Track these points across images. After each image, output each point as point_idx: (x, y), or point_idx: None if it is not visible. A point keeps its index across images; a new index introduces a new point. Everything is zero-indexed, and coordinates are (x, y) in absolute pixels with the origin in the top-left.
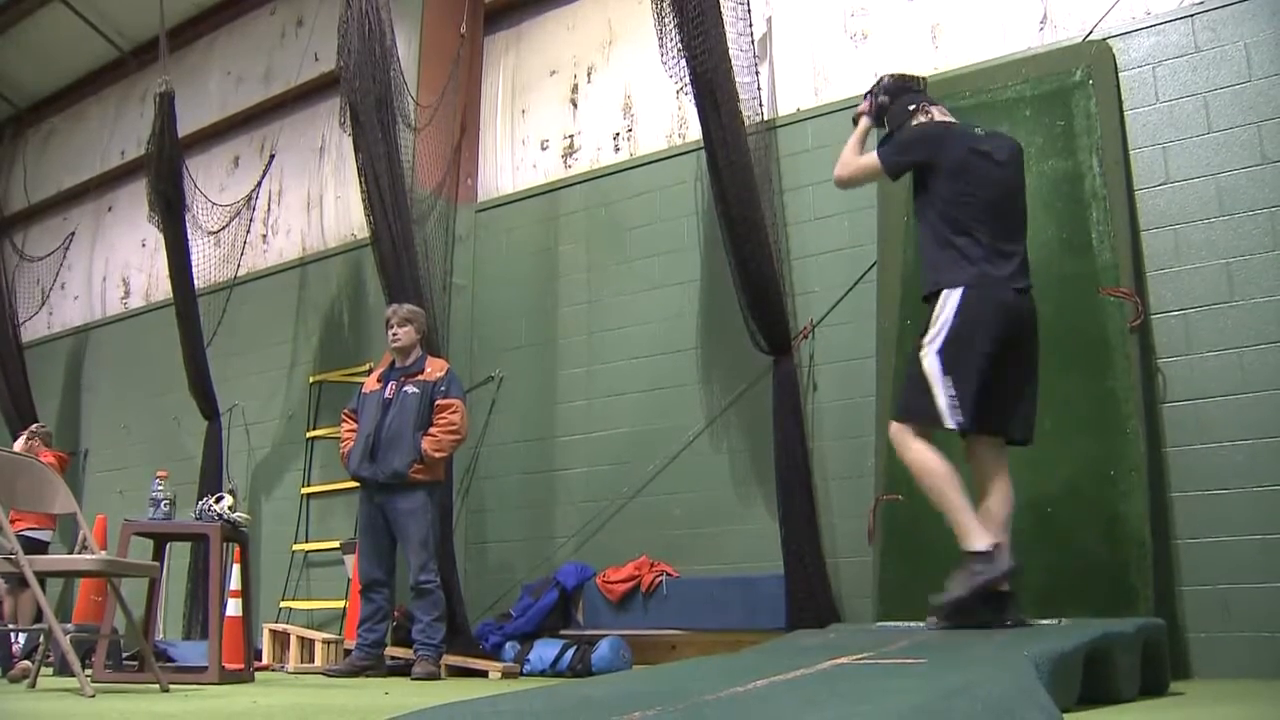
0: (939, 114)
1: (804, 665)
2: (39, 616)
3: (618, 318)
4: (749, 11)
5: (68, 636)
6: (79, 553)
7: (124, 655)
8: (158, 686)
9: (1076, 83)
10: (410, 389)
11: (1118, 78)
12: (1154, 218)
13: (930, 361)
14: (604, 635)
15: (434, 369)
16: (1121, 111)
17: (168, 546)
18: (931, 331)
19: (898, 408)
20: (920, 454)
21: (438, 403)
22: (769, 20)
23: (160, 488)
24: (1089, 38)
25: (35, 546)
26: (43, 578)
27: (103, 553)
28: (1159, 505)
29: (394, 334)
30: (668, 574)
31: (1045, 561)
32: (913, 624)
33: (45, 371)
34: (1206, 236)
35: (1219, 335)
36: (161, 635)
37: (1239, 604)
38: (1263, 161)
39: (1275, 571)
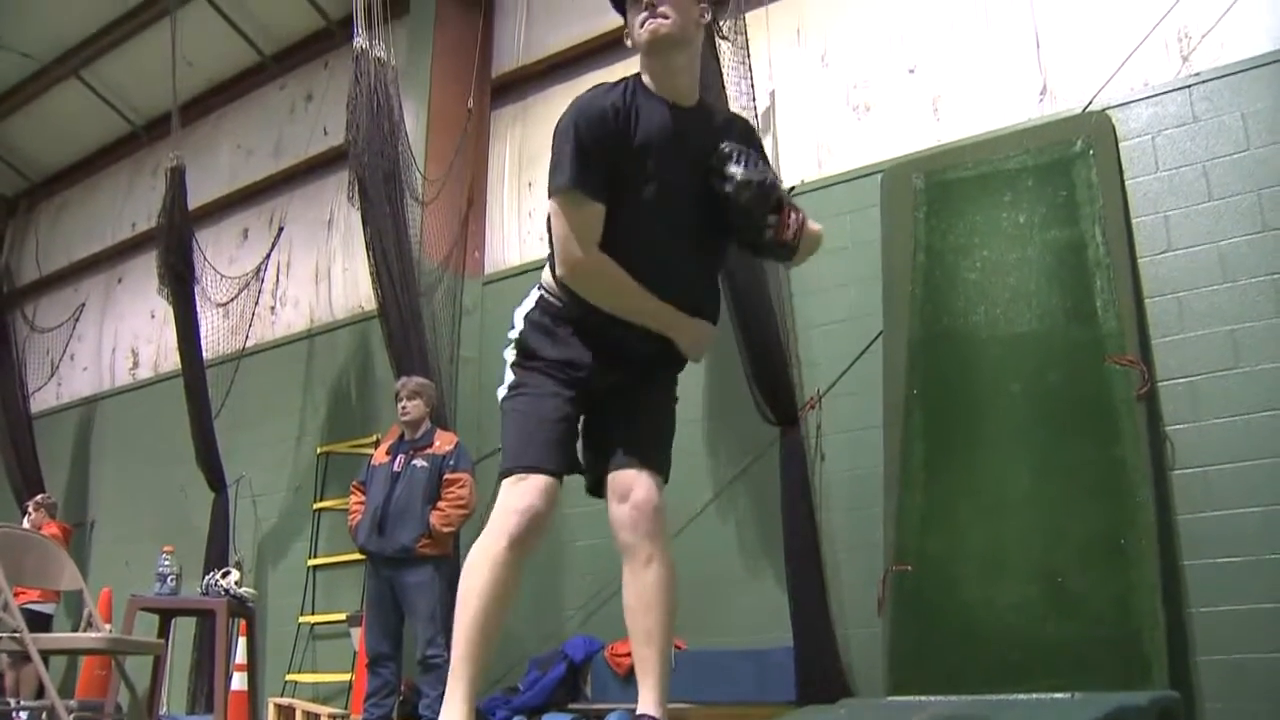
0: None
1: None
2: (41, 691)
3: None
4: (752, 85)
5: (71, 715)
6: (84, 629)
7: None
8: None
9: (1077, 153)
10: (419, 462)
11: (1118, 148)
12: (1157, 285)
13: None
14: (613, 709)
15: (443, 442)
16: (1123, 181)
17: (173, 621)
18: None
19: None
20: None
21: (446, 476)
22: (772, 94)
23: (166, 562)
24: (1088, 108)
25: (39, 620)
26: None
27: (107, 627)
28: (1171, 574)
29: (403, 407)
30: (677, 646)
31: (1056, 632)
32: (924, 698)
33: (54, 442)
34: (1210, 304)
35: (1226, 402)
36: (165, 709)
37: (1255, 673)
38: (1264, 229)
39: None
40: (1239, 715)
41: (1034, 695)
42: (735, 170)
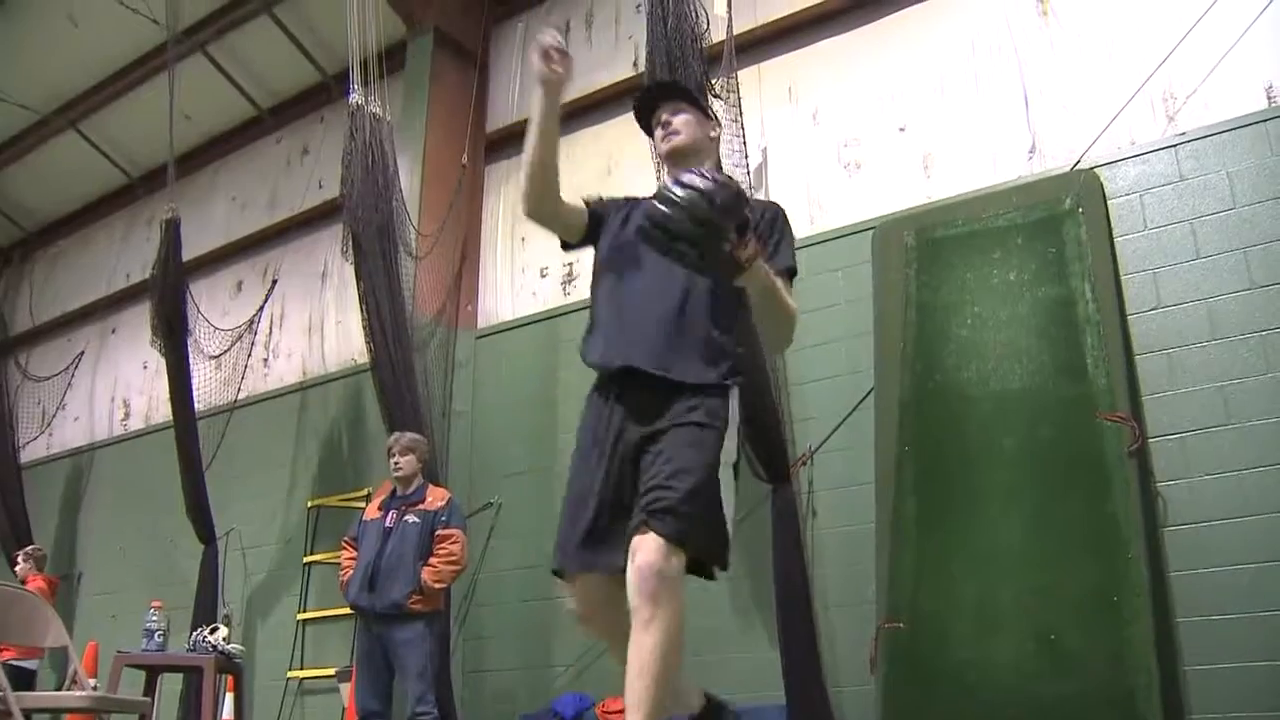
0: None
1: None
2: None
3: None
4: (744, 142)
5: None
6: (69, 686)
7: None
8: None
9: (1066, 211)
10: (411, 518)
11: (1106, 205)
12: (1147, 342)
13: (727, 475)
14: None
15: (435, 498)
16: (1111, 238)
17: (160, 676)
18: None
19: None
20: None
21: (438, 532)
22: (764, 150)
23: (154, 618)
24: (1077, 167)
25: (22, 676)
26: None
27: (92, 683)
28: (1164, 631)
29: (396, 463)
30: None
31: (1051, 690)
32: None
33: (43, 492)
34: (1200, 360)
35: (1217, 458)
36: None
37: None
38: (1251, 286)
39: None
40: None
41: None
42: (677, 190)
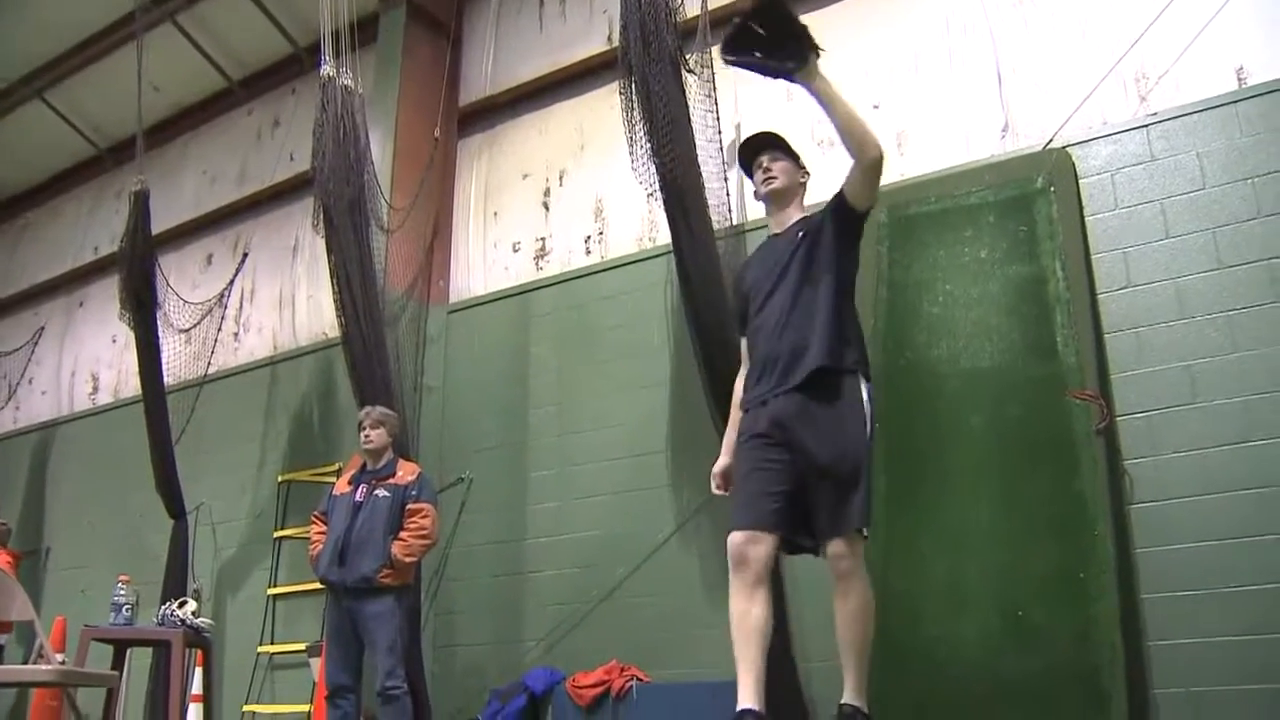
0: None
1: None
2: None
3: (588, 420)
4: (718, 119)
5: None
6: (35, 660)
7: None
8: None
9: (1038, 189)
10: (381, 493)
11: (1078, 184)
12: (1117, 321)
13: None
14: None
15: (405, 473)
16: (1082, 217)
17: (129, 651)
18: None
19: (863, 516)
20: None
21: (409, 507)
22: (737, 127)
23: (122, 592)
24: (1049, 146)
25: None
26: None
27: (60, 658)
28: (1129, 607)
29: (366, 436)
30: (638, 679)
31: (1018, 666)
32: None
33: (9, 467)
34: (1167, 339)
35: (1183, 437)
36: None
37: (1210, 706)
38: (1219, 266)
39: (1246, 673)
40: None
41: None
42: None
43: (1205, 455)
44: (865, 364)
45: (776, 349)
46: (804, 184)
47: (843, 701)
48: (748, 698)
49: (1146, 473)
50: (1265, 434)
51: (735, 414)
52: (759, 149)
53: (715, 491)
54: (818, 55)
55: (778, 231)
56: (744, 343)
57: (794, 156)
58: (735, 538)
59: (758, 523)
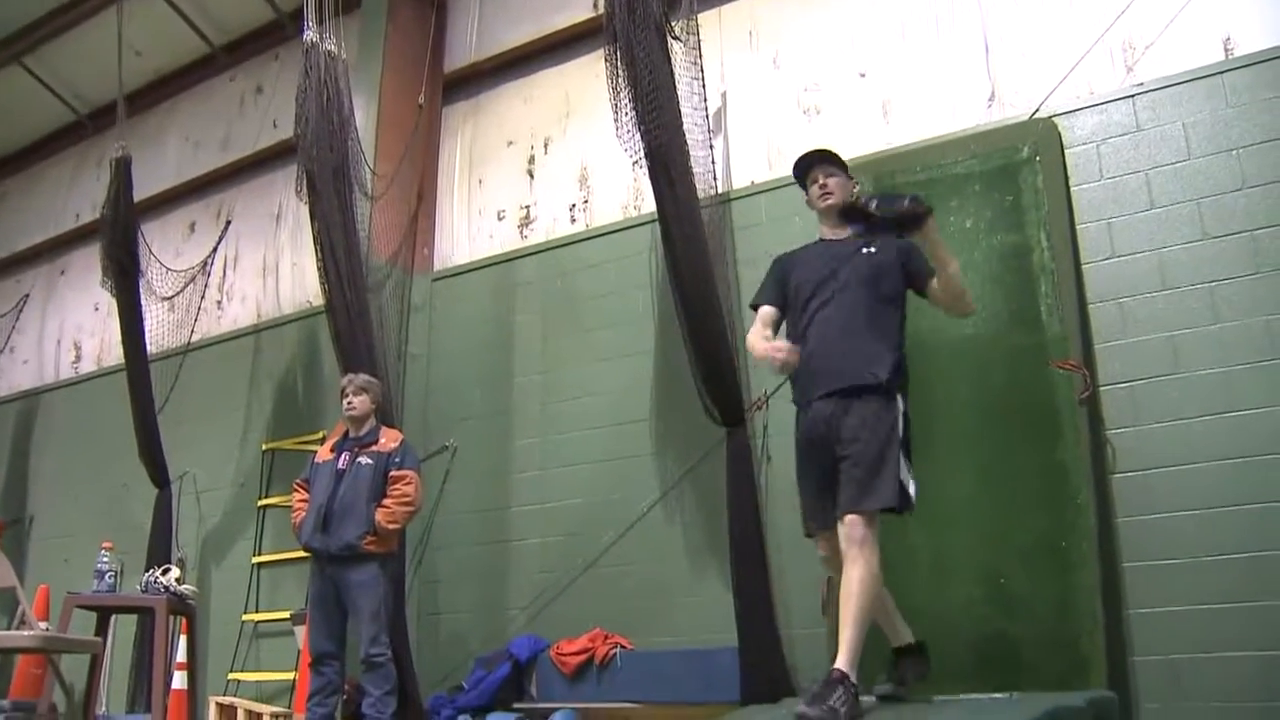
0: None
1: None
2: None
3: (572, 388)
4: (704, 86)
5: (3, 716)
6: (17, 627)
7: None
8: None
9: (1024, 159)
10: (364, 460)
11: (1064, 154)
12: (1100, 291)
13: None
14: (557, 708)
15: (388, 440)
16: (1068, 187)
17: (113, 618)
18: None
19: (872, 500)
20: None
21: (392, 474)
22: (723, 95)
23: (105, 559)
24: (1035, 115)
25: None
26: None
27: (44, 626)
28: (1110, 576)
29: (349, 402)
30: (622, 646)
31: (997, 633)
32: (865, 698)
33: None
34: (1151, 310)
35: (1166, 407)
36: (105, 709)
37: (1190, 674)
38: (1203, 237)
39: (1225, 641)
40: (1175, 715)
41: (973, 696)
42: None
43: (1187, 425)
44: (906, 383)
45: (836, 348)
46: (853, 194)
47: (833, 666)
48: (901, 640)
49: (1129, 443)
50: (1246, 404)
51: (763, 332)
52: (812, 164)
53: (784, 358)
54: (930, 213)
55: (832, 238)
56: (764, 310)
57: (845, 170)
58: (818, 544)
59: (823, 527)
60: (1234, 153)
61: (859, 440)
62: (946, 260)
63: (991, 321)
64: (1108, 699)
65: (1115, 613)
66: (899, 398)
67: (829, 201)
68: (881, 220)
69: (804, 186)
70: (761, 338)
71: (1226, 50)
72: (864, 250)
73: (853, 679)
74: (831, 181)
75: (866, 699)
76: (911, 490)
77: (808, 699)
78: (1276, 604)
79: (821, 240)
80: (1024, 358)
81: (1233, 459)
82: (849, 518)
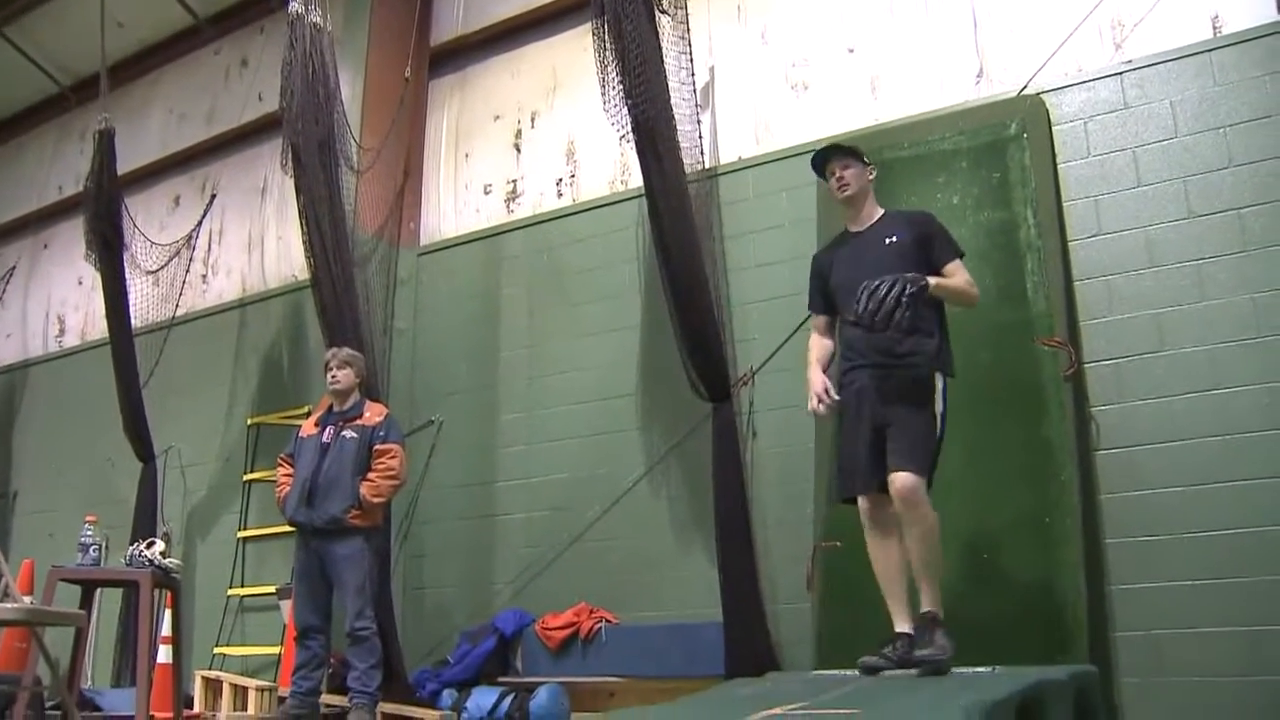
0: None
1: (737, 717)
2: None
3: (559, 363)
4: (691, 61)
5: None
6: (1, 601)
7: (47, 706)
8: None
9: (1011, 136)
10: (349, 434)
11: (1051, 132)
12: (1087, 268)
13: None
14: (542, 683)
15: (373, 414)
16: (1055, 164)
17: (98, 592)
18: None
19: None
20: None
21: (376, 448)
22: (711, 70)
23: (89, 532)
24: (1023, 92)
25: None
26: None
27: (28, 600)
28: (1093, 552)
29: (333, 376)
30: (607, 621)
31: (981, 608)
32: (849, 672)
33: None
34: (1137, 288)
35: (1150, 384)
36: (90, 683)
37: (1171, 649)
38: (1189, 215)
39: (1206, 617)
40: (1155, 689)
41: (956, 670)
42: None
43: (1171, 403)
44: (949, 363)
45: (879, 341)
46: (872, 180)
47: (923, 609)
48: (901, 623)
49: (1113, 419)
50: (1231, 382)
51: (814, 357)
52: (828, 158)
53: (821, 409)
54: (925, 287)
55: (857, 229)
56: (819, 319)
57: (860, 158)
58: (859, 504)
59: (864, 488)
60: (1221, 131)
61: (899, 403)
62: (958, 292)
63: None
64: (1089, 673)
65: (1098, 588)
66: (938, 376)
67: (847, 193)
68: (890, 324)
69: (823, 177)
70: (820, 350)
71: (1215, 28)
72: (887, 241)
73: (941, 617)
74: (848, 173)
75: (848, 673)
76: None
77: (914, 645)
78: (1257, 580)
79: (847, 231)
80: (1009, 334)
81: (1217, 436)
82: (899, 475)
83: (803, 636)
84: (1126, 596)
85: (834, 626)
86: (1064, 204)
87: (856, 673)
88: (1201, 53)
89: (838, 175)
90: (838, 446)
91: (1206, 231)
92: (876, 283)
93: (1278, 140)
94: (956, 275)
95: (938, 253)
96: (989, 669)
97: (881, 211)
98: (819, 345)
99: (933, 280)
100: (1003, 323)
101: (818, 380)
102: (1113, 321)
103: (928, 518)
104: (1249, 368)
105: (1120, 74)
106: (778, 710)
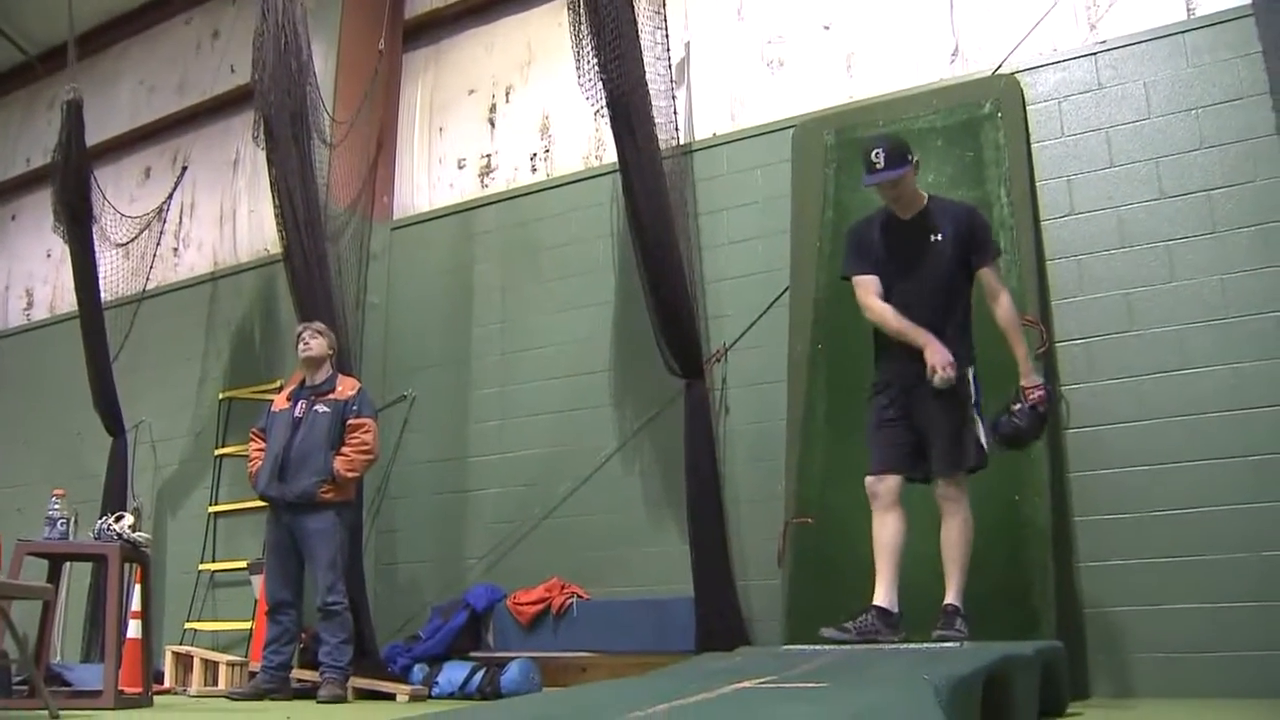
0: None
1: (707, 690)
2: None
3: (532, 338)
4: (667, 36)
5: None
6: None
7: (14, 681)
8: (47, 713)
9: (986, 115)
10: (321, 408)
11: (1025, 111)
12: (1059, 248)
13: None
14: (514, 657)
15: (345, 388)
16: (1029, 144)
17: (67, 567)
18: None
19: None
20: None
21: (350, 422)
22: (687, 45)
23: (57, 506)
24: (998, 71)
25: None
26: None
27: None
28: (1062, 529)
29: (305, 344)
30: (578, 596)
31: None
32: (819, 646)
33: None
34: (1108, 267)
35: (1119, 364)
36: (59, 658)
37: (1137, 625)
38: (1160, 196)
39: (1172, 594)
40: (1122, 665)
41: (924, 645)
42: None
43: (1140, 382)
44: (973, 354)
45: (915, 320)
46: (915, 173)
47: (945, 601)
48: (881, 597)
49: (1083, 398)
50: (1199, 363)
51: (904, 322)
52: (878, 166)
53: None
54: (1046, 400)
55: (904, 216)
56: (868, 278)
57: (907, 161)
58: (868, 479)
59: (884, 467)
60: (1193, 112)
61: (940, 408)
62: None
63: None
64: (1056, 649)
65: (1065, 566)
66: (969, 369)
67: (900, 201)
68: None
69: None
70: (896, 310)
71: (1188, 10)
72: (932, 239)
73: (963, 610)
74: (902, 184)
75: (818, 647)
76: (985, 445)
77: (938, 630)
78: (1223, 558)
79: (892, 215)
80: (982, 312)
81: (1184, 416)
82: (942, 481)
83: (773, 612)
84: (1094, 574)
85: (804, 602)
86: (1037, 183)
87: (827, 647)
88: (1175, 34)
89: (893, 196)
90: (872, 427)
91: (1177, 213)
92: (1030, 404)
93: (1249, 122)
94: (991, 283)
95: (977, 254)
96: (957, 644)
97: (926, 199)
98: (891, 307)
99: (1035, 380)
100: (976, 300)
101: (940, 349)
102: (1084, 301)
103: (966, 517)
104: (1216, 348)
105: (1094, 54)
106: (748, 683)
